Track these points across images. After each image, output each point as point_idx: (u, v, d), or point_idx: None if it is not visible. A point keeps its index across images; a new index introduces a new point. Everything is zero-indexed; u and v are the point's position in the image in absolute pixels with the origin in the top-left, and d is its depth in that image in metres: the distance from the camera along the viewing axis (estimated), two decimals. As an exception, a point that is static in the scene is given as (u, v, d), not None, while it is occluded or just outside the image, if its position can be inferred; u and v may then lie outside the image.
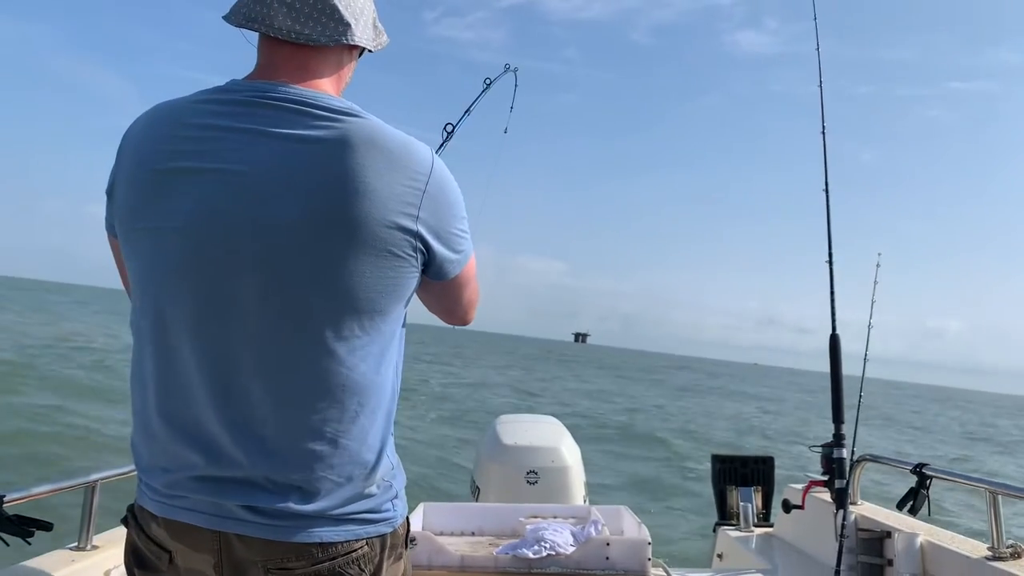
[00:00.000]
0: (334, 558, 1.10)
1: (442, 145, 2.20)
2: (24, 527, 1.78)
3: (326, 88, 1.18)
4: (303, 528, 1.09)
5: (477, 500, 3.51)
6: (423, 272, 1.19)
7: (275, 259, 1.06)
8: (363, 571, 1.13)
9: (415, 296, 1.25)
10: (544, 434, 3.71)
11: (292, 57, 1.16)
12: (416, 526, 2.65)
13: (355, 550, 1.12)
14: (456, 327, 1.44)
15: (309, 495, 1.09)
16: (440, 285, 1.25)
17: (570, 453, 3.60)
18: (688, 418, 23.53)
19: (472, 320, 1.42)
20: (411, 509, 2.76)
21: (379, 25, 1.28)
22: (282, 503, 1.08)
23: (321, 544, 1.10)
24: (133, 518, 1.21)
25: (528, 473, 3.44)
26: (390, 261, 1.10)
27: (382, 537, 1.16)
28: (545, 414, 4.31)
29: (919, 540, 2.54)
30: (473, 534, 2.80)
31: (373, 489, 1.15)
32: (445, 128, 2.23)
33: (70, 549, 2.16)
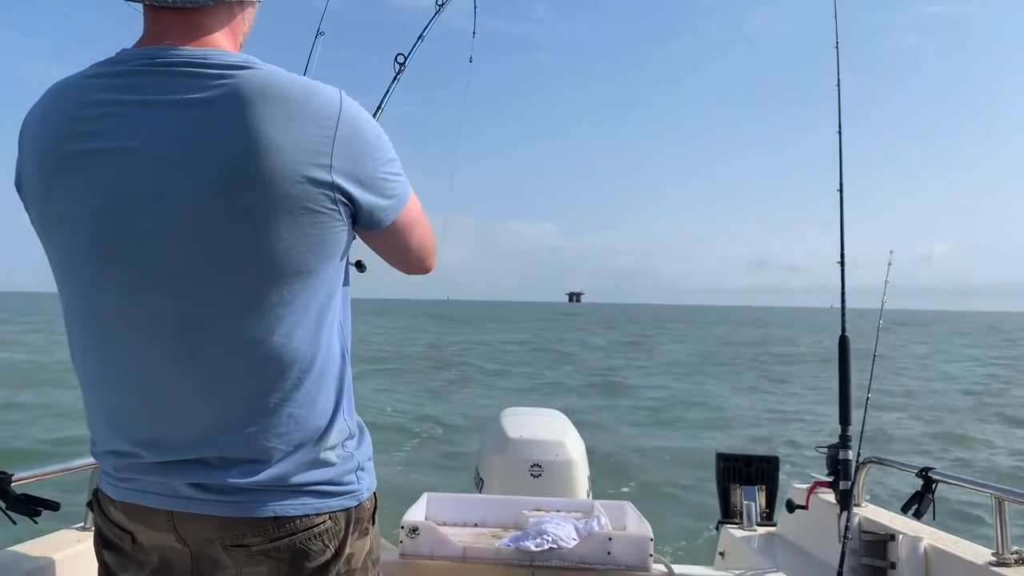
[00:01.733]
0: (294, 533, 1.08)
1: (395, 79, 2.00)
2: (31, 506, 1.79)
3: (219, 43, 1.10)
4: (256, 502, 1.07)
5: (481, 492, 3.52)
6: (355, 224, 1.13)
7: (186, 234, 1.01)
8: (327, 547, 1.10)
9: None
10: (549, 428, 3.71)
11: (174, 20, 1.08)
12: (419, 516, 2.66)
13: (316, 525, 1.10)
14: (416, 274, 1.35)
15: (257, 466, 1.07)
16: (379, 235, 1.18)
17: (575, 447, 3.60)
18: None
19: (432, 267, 1.35)
20: (415, 500, 2.78)
21: None
22: (230, 478, 1.06)
23: (276, 519, 1.07)
24: (96, 502, 1.20)
25: (532, 466, 3.44)
26: (308, 218, 1.04)
27: (347, 511, 1.14)
28: (551, 408, 4.31)
29: (923, 544, 2.53)
30: (476, 525, 2.80)
31: (330, 456, 1.12)
32: (396, 59, 2.03)
33: (76, 529, 2.18)
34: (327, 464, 1.12)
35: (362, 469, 1.18)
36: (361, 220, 1.13)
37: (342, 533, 1.13)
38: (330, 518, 1.12)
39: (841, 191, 2.95)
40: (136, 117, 1.03)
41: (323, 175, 1.04)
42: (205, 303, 1.04)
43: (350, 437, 1.17)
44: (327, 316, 1.12)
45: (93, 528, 1.23)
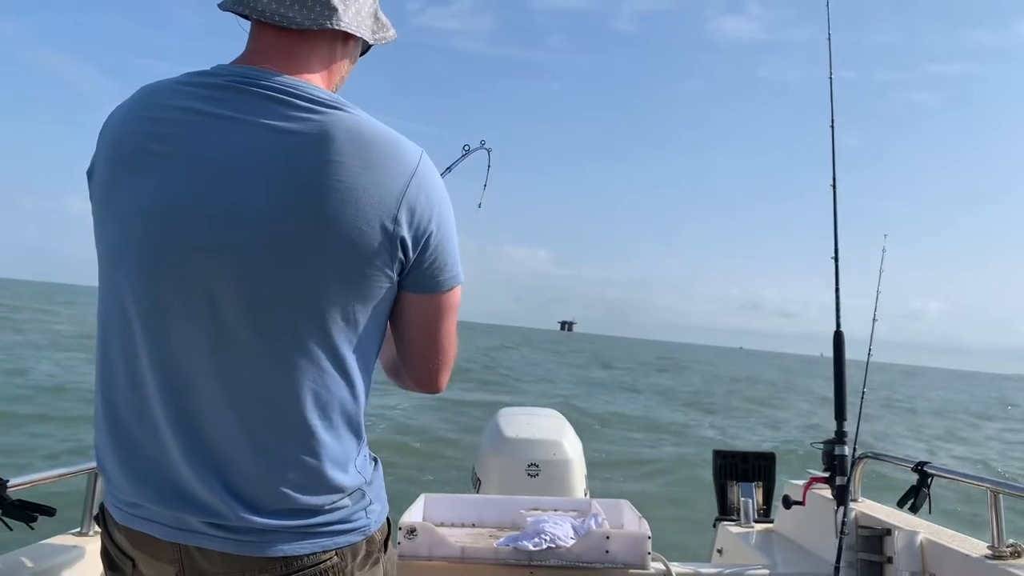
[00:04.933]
0: (300, 571, 1.06)
1: None
2: (27, 512, 1.79)
3: (315, 80, 1.12)
4: (266, 543, 1.05)
5: (478, 492, 3.52)
6: (402, 285, 1.11)
7: (238, 256, 1.00)
8: None
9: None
10: (546, 427, 3.71)
11: (277, 42, 1.10)
12: (417, 517, 2.66)
13: (322, 562, 1.08)
14: (425, 387, 1.25)
15: (273, 512, 1.04)
16: (417, 301, 1.14)
17: (571, 446, 3.60)
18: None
19: (443, 387, 1.25)
20: (412, 500, 2.78)
21: (382, 18, 1.21)
22: (244, 519, 1.03)
23: (285, 559, 1.05)
24: (103, 517, 1.18)
25: (529, 466, 3.44)
26: (364, 266, 1.03)
27: (353, 547, 1.12)
28: (547, 407, 4.32)
29: (919, 538, 2.54)
30: (474, 526, 2.80)
31: (343, 502, 1.11)
32: None
33: (72, 534, 2.18)
34: (339, 508, 1.10)
35: (372, 503, 1.16)
36: (409, 281, 1.11)
37: (348, 568, 1.11)
38: (336, 554, 1.10)
39: (834, 186, 2.96)
40: (215, 129, 1.03)
41: (389, 226, 1.03)
42: (244, 329, 1.01)
43: (364, 483, 1.14)
44: (359, 368, 1.10)
45: (100, 539, 1.19)
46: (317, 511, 1.08)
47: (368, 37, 1.18)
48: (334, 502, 1.09)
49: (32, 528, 1.81)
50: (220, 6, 1.12)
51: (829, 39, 3.04)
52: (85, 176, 1.16)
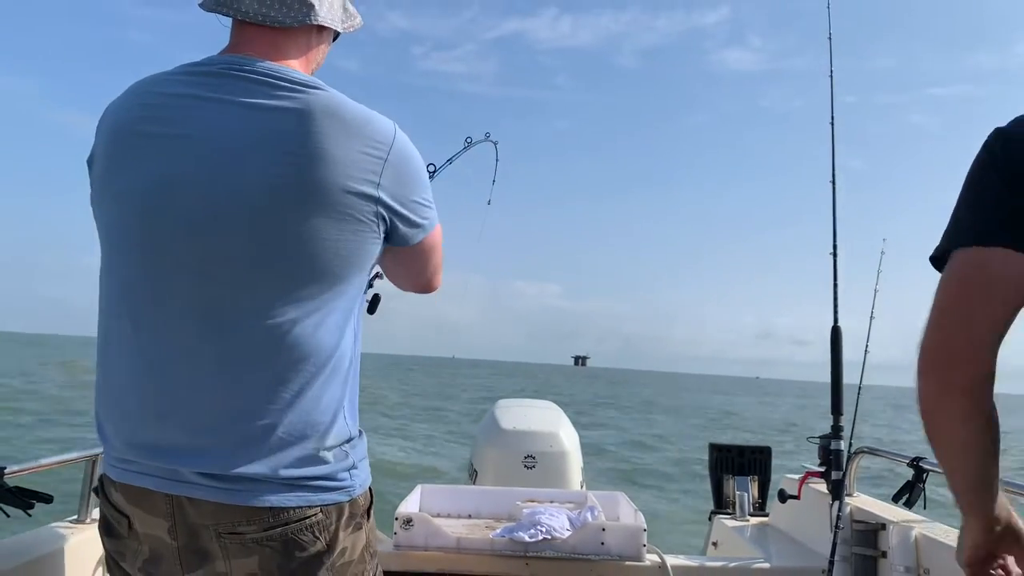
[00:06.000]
0: (286, 524, 1.12)
1: None
2: (25, 499, 1.79)
3: (295, 66, 1.22)
4: (254, 492, 1.10)
5: (474, 483, 3.53)
6: (387, 239, 1.23)
7: (232, 223, 1.09)
8: (317, 538, 1.14)
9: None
10: (543, 419, 3.72)
11: (260, 37, 1.21)
12: (413, 508, 2.66)
13: (308, 516, 1.13)
14: (422, 293, 1.46)
15: (260, 454, 1.10)
16: (406, 251, 1.29)
17: (568, 438, 3.61)
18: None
19: (438, 287, 1.46)
20: (408, 491, 2.78)
21: (350, 8, 1.33)
22: (233, 467, 1.09)
23: (272, 509, 1.11)
24: (101, 487, 1.24)
25: (526, 457, 3.45)
26: (351, 225, 1.14)
27: (338, 505, 1.17)
28: (544, 399, 4.32)
29: (914, 533, 2.55)
30: (470, 517, 2.81)
31: (327, 455, 1.16)
32: (427, 168, 2.23)
33: (70, 522, 2.18)
34: (323, 462, 1.16)
35: (355, 467, 1.22)
36: (395, 236, 1.24)
37: (333, 527, 1.16)
38: (321, 511, 1.15)
39: (833, 183, 2.96)
40: (208, 110, 1.13)
41: (371, 190, 1.15)
42: (238, 291, 1.10)
43: (348, 440, 1.21)
44: (347, 320, 1.20)
45: (97, 516, 1.25)
46: (304, 461, 1.13)
47: (339, 27, 1.31)
48: (320, 451, 1.15)
49: (29, 515, 1.81)
50: (201, 7, 1.21)
51: (830, 38, 3.03)
52: (86, 165, 1.24)
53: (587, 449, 3.72)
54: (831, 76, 3.02)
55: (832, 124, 3.00)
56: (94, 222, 1.27)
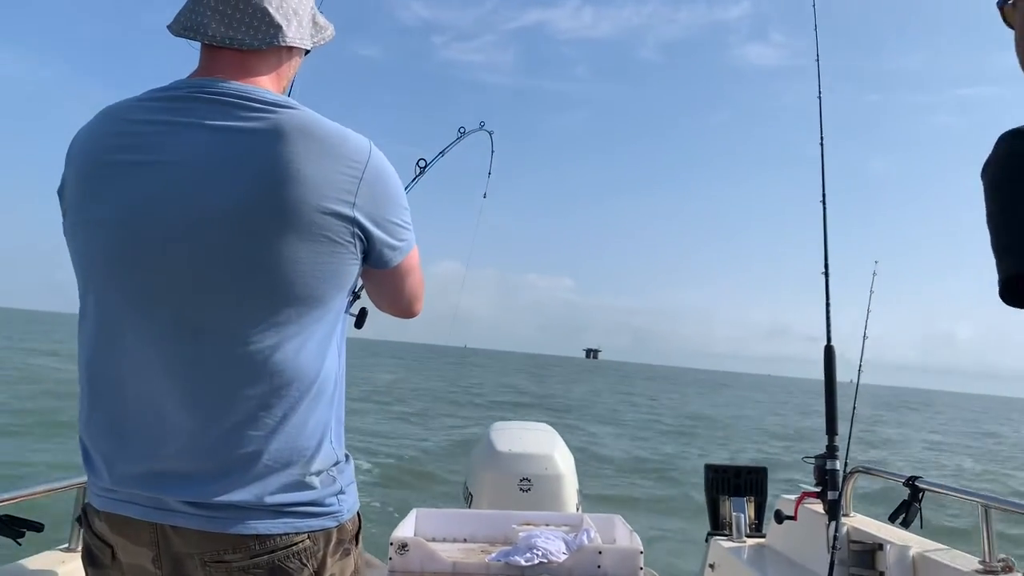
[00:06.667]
0: (273, 551, 1.10)
1: (414, 180, 2.19)
2: (14, 528, 1.77)
3: (266, 85, 1.20)
4: (239, 520, 1.08)
5: (470, 507, 3.51)
6: (364, 260, 1.20)
7: (209, 247, 1.07)
8: (304, 565, 1.12)
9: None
10: (538, 441, 3.71)
11: (229, 59, 1.19)
12: (408, 532, 2.64)
13: (295, 543, 1.12)
14: (403, 317, 1.43)
15: (245, 482, 1.09)
16: (383, 274, 1.27)
17: (563, 461, 3.59)
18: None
19: (419, 312, 1.42)
20: (403, 515, 2.76)
21: (320, 21, 1.31)
22: (217, 494, 1.08)
23: (258, 536, 1.09)
24: (84, 516, 1.22)
25: (521, 480, 3.44)
26: (327, 247, 1.11)
27: (326, 532, 1.16)
28: (539, 421, 4.31)
29: (911, 553, 2.54)
30: (465, 541, 2.79)
31: (314, 481, 1.15)
32: (417, 164, 2.23)
33: (60, 550, 2.15)
34: (309, 487, 1.15)
35: (343, 492, 1.20)
36: (371, 257, 1.21)
37: (321, 553, 1.14)
38: (308, 537, 1.13)
39: (824, 203, 2.99)
40: (177, 135, 1.11)
41: (346, 210, 1.12)
42: (218, 317, 1.09)
43: (335, 464, 1.19)
44: (330, 341, 1.18)
45: (81, 546, 1.21)
46: (290, 487, 1.12)
47: (308, 45, 1.28)
48: (306, 476, 1.14)
49: (19, 544, 1.79)
50: (171, 32, 1.20)
51: (817, 60, 3.08)
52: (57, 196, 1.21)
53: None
54: (819, 98, 3.06)
55: (822, 145, 3.04)
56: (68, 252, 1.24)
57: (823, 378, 2.86)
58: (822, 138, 3.05)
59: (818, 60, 3.11)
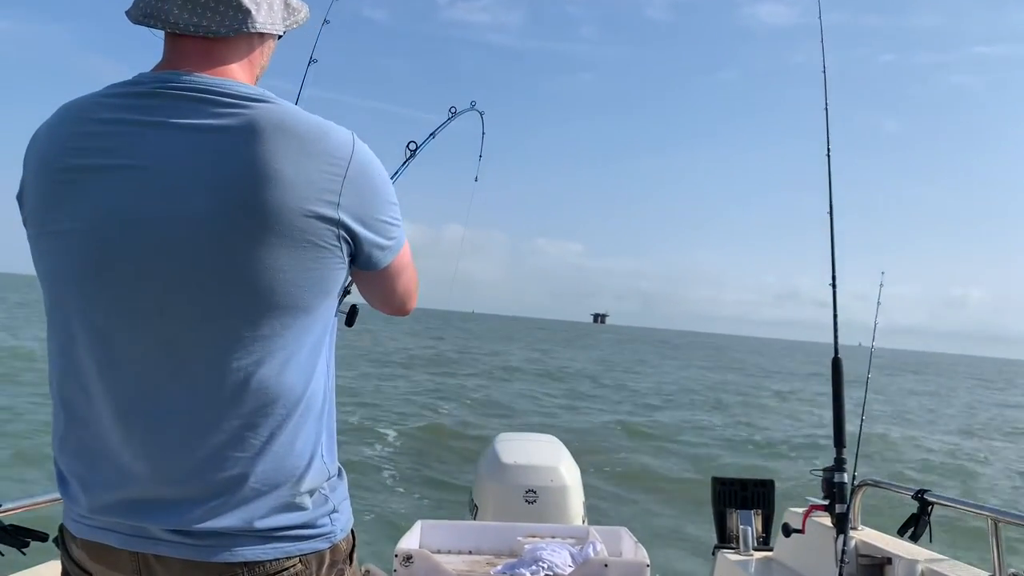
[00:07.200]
0: None
1: (404, 164, 2.10)
2: (19, 537, 1.77)
3: (235, 75, 1.11)
4: (226, 547, 1.02)
5: (475, 519, 3.49)
6: (352, 263, 1.13)
7: (185, 258, 1.00)
8: None
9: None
10: (543, 453, 3.69)
11: (195, 48, 1.09)
12: (413, 544, 2.63)
13: (286, 568, 1.05)
14: (396, 315, 1.37)
15: (231, 507, 1.02)
16: (373, 275, 1.19)
17: (569, 473, 3.58)
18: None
19: (412, 309, 1.36)
20: (408, 527, 2.75)
21: (293, 2, 1.20)
22: (203, 520, 1.01)
23: (247, 564, 1.03)
24: (62, 538, 1.16)
25: (527, 492, 3.42)
26: (311, 252, 1.03)
27: (318, 554, 1.09)
28: (545, 433, 4.30)
29: (920, 567, 2.52)
30: (471, 553, 2.78)
31: (305, 501, 1.08)
32: (408, 146, 2.13)
33: None
34: (301, 508, 1.08)
35: (336, 511, 1.14)
36: (360, 260, 1.13)
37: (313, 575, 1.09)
38: (300, 561, 1.07)
39: (831, 214, 2.98)
40: (146, 137, 1.02)
41: (330, 212, 1.04)
42: (198, 329, 1.02)
43: (327, 479, 1.13)
44: (317, 353, 1.11)
45: (60, 570, 1.16)
46: (279, 510, 1.06)
47: (280, 29, 1.18)
48: (296, 498, 1.07)
49: (24, 554, 1.79)
50: (129, 18, 1.11)
51: (824, 72, 3.08)
52: (16, 201, 1.14)
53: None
54: (826, 110, 3.06)
55: (828, 156, 3.03)
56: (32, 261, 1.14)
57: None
58: (828, 151, 3.04)
59: (824, 72, 3.11)
